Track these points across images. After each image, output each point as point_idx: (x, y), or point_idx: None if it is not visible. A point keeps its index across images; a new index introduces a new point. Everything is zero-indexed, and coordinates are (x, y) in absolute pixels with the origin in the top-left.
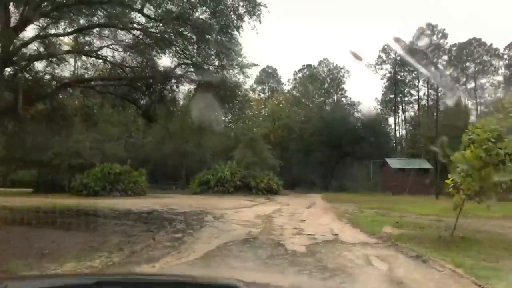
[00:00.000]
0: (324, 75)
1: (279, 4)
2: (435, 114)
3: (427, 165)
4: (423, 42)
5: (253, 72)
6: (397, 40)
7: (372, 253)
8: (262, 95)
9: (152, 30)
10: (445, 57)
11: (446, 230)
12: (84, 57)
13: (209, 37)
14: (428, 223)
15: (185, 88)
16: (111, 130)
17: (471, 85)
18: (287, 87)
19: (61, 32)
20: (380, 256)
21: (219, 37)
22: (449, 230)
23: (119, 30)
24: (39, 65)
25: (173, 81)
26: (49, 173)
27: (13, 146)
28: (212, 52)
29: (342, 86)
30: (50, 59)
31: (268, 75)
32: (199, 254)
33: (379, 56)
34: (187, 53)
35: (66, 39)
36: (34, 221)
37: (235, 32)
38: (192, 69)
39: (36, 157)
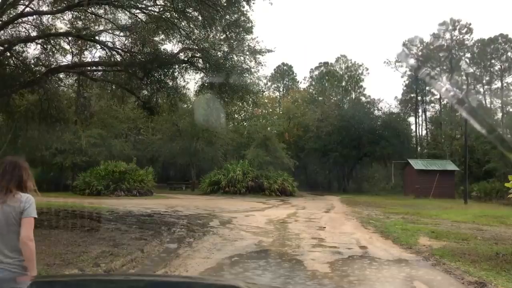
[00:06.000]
0: (341, 73)
1: (296, 0)
2: (458, 113)
3: (452, 167)
4: (445, 38)
5: (267, 60)
6: (417, 38)
7: (415, 276)
8: (277, 93)
9: (151, 9)
10: (468, 55)
11: (497, 244)
12: (79, 42)
13: (216, 16)
14: (470, 233)
15: (191, 77)
16: (119, 126)
17: (497, 83)
18: (303, 85)
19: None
20: (427, 281)
21: (227, 14)
22: (500, 243)
23: (114, 9)
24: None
25: (176, 67)
26: (52, 171)
27: (16, 143)
28: (222, 37)
29: (361, 83)
30: (37, 41)
31: (283, 73)
32: (192, 275)
33: (399, 54)
34: (193, 37)
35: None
36: None
37: (246, 7)
38: (198, 55)
39: (40, 155)
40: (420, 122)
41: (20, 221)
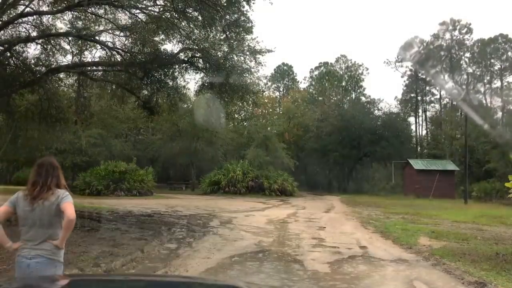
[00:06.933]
0: (341, 73)
1: (296, 0)
2: (459, 113)
3: (452, 167)
4: (445, 38)
5: (267, 60)
6: (417, 38)
7: (415, 276)
8: (277, 93)
9: (151, 9)
10: (468, 54)
11: (497, 244)
12: (79, 42)
13: (216, 16)
14: (470, 233)
15: (191, 77)
16: (119, 126)
17: (497, 83)
18: (303, 85)
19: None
20: (427, 281)
21: (227, 14)
22: (500, 243)
23: (114, 9)
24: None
25: (176, 67)
26: None
27: (16, 143)
28: (222, 37)
29: (361, 83)
30: (37, 41)
31: (283, 73)
32: (192, 275)
33: (399, 53)
34: (193, 37)
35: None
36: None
37: (246, 7)
38: (198, 55)
39: (40, 155)
40: (420, 122)
41: (57, 212)
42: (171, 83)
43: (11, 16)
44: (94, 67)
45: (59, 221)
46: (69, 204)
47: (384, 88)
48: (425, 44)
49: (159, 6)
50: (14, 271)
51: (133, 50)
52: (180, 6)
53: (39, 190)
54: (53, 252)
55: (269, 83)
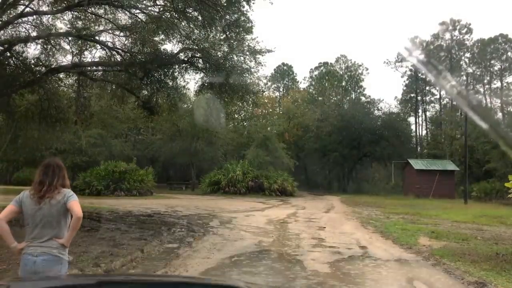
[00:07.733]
0: (341, 73)
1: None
2: (458, 113)
3: (452, 167)
4: (444, 39)
5: (267, 60)
6: (416, 38)
7: (415, 276)
8: (277, 93)
9: (151, 9)
10: (468, 54)
11: (497, 244)
12: (79, 42)
13: (216, 16)
14: (470, 233)
15: (191, 77)
16: (119, 126)
17: (497, 83)
18: (303, 85)
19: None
20: (427, 281)
21: (227, 14)
22: (500, 243)
23: (114, 9)
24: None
25: (176, 67)
26: None
27: (16, 143)
28: (222, 37)
29: (361, 83)
30: (37, 41)
31: (283, 73)
32: (192, 275)
33: (399, 53)
34: (193, 37)
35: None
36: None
37: (246, 7)
38: (198, 55)
39: (40, 155)
40: (420, 122)
41: (63, 211)
42: (171, 83)
43: (11, 16)
44: (94, 67)
45: (65, 220)
46: (75, 203)
47: (384, 88)
48: (425, 44)
49: (159, 6)
50: (14, 271)
51: (133, 50)
52: (180, 6)
53: (46, 190)
54: (59, 250)
55: (269, 83)
